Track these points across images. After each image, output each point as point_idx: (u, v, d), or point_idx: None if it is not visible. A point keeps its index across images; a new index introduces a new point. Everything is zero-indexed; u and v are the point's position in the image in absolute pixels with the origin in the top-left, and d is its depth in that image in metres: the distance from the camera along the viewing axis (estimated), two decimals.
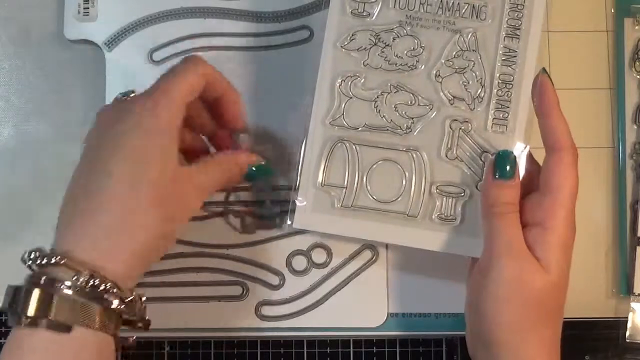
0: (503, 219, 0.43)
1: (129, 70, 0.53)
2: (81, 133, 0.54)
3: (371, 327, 0.52)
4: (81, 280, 0.36)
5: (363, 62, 0.47)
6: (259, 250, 0.53)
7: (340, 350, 0.53)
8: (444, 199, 0.46)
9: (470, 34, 0.46)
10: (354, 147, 0.47)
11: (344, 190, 0.46)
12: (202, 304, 0.52)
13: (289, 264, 0.52)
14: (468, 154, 0.46)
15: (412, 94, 0.47)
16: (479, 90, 0.46)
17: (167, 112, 0.40)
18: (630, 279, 0.53)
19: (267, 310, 0.52)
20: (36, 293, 0.37)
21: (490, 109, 0.46)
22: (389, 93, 0.47)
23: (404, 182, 0.46)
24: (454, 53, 0.47)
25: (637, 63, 0.55)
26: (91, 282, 0.37)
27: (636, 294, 0.53)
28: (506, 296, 0.41)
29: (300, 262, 0.53)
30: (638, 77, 0.55)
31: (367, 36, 0.47)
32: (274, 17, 0.54)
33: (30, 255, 0.38)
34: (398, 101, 0.47)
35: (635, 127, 0.55)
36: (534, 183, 0.44)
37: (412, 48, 0.47)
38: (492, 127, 0.46)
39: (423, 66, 0.47)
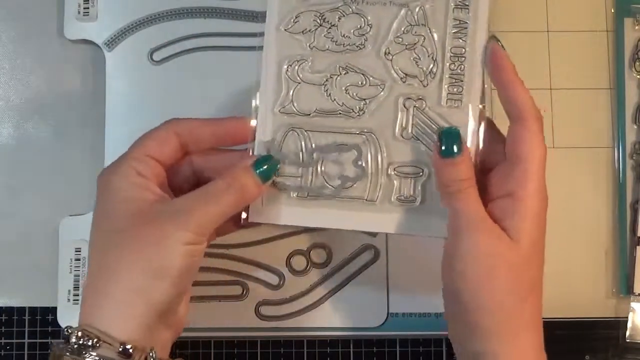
0: (460, 196, 0.41)
1: (129, 70, 0.53)
2: (81, 133, 0.54)
3: (371, 327, 0.52)
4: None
5: (309, 45, 0.45)
6: (259, 250, 0.53)
7: (340, 350, 0.53)
8: (402, 180, 0.44)
9: (418, 8, 0.45)
10: (306, 134, 0.45)
11: (299, 179, 0.44)
12: (202, 304, 0.52)
13: (288, 263, 0.52)
14: (424, 132, 0.45)
15: (363, 74, 0.45)
16: (431, 66, 0.45)
17: (121, 173, 0.41)
18: (630, 279, 0.53)
19: (267, 310, 0.52)
20: None
21: (443, 84, 0.44)
22: (338, 75, 0.45)
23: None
24: (403, 29, 0.45)
25: (637, 63, 0.55)
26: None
27: (636, 294, 0.53)
28: (476, 274, 0.40)
29: (300, 262, 0.53)
30: (638, 77, 0.55)
31: (312, 17, 0.45)
32: None
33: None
34: (348, 83, 0.45)
35: (635, 127, 0.55)
36: (497, 153, 0.43)
37: (359, 26, 0.45)
38: (447, 102, 0.44)
39: (371, 45, 0.45)
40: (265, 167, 0.42)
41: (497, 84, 0.43)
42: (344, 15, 0.45)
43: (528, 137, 0.41)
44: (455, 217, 0.41)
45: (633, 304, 0.53)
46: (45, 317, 0.53)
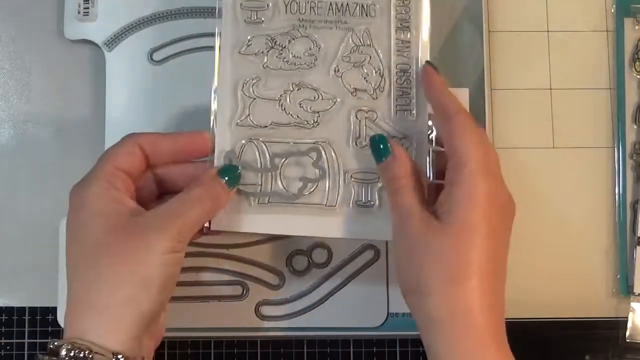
0: (397, 193, 0.43)
1: (129, 70, 0.53)
2: (81, 133, 0.54)
3: (371, 327, 0.52)
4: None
5: (262, 65, 0.47)
6: (259, 250, 0.53)
7: (340, 350, 0.53)
8: (360, 185, 0.47)
9: (362, 31, 0.48)
10: (263, 144, 0.47)
11: (259, 187, 0.46)
12: (202, 304, 0.52)
13: (289, 263, 0.52)
14: None
15: (315, 90, 0.47)
16: (379, 81, 0.47)
17: (96, 188, 0.41)
18: (630, 279, 0.53)
19: (267, 310, 0.52)
20: None
21: (392, 96, 0.47)
22: (292, 91, 0.47)
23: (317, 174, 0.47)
24: (350, 49, 0.48)
25: (637, 63, 0.55)
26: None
27: (636, 294, 0.53)
28: (408, 262, 0.41)
29: (300, 262, 0.53)
30: (638, 77, 0.55)
31: (263, 41, 0.48)
32: None
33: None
34: (302, 98, 0.47)
35: (635, 127, 0.55)
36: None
37: (309, 48, 0.48)
38: (396, 113, 0.47)
39: (322, 64, 0.47)
40: (229, 175, 0.44)
41: (428, 96, 0.45)
42: (293, 39, 0.48)
43: (458, 128, 0.42)
44: (394, 214, 0.43)
45: (633, 304, 0.53)
46: (45, 317, 0.53)
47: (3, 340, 0.53)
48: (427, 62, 0.46)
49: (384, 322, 0.52)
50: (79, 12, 0.54)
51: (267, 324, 0.52)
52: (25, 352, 0.53)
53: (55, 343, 0.38)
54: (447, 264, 0.39)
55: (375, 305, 0.52)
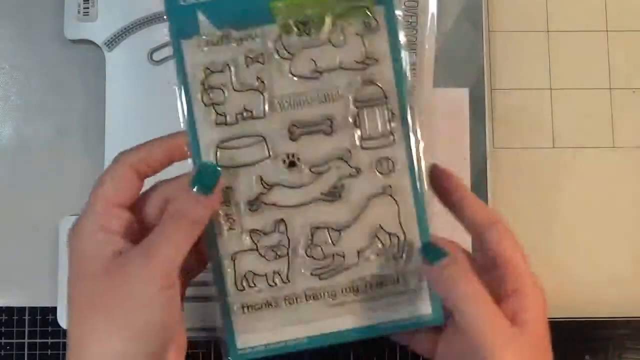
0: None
1: (129, 70, 0.53)
2: (81, 133, 0.54)
3: None
4: None
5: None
6: None
7: (340, 350, 0.53)
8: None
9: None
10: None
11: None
12: (202, 304, 0.52)
13: None
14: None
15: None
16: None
17: (85, 233, 0.39)
18: None
19: None
20: None
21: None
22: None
23: None
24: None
25: None
26: None
27: None
28: None
29: None
30: None
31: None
32: None
33: None
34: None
35: None
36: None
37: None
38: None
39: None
40: (200, 182, 0.39)
41: (451, 204, 0.41)
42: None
43: (505, 240, 0.40)
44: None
45: None
46: (45, 317, 0.53)
47: (3, 340, 0.53)
48: (437, 166, 0.40)
49: None
50: (79, 12, 0.54)
51: None
52: (25, 352, 0.53)
53: None
54: None
55: None
